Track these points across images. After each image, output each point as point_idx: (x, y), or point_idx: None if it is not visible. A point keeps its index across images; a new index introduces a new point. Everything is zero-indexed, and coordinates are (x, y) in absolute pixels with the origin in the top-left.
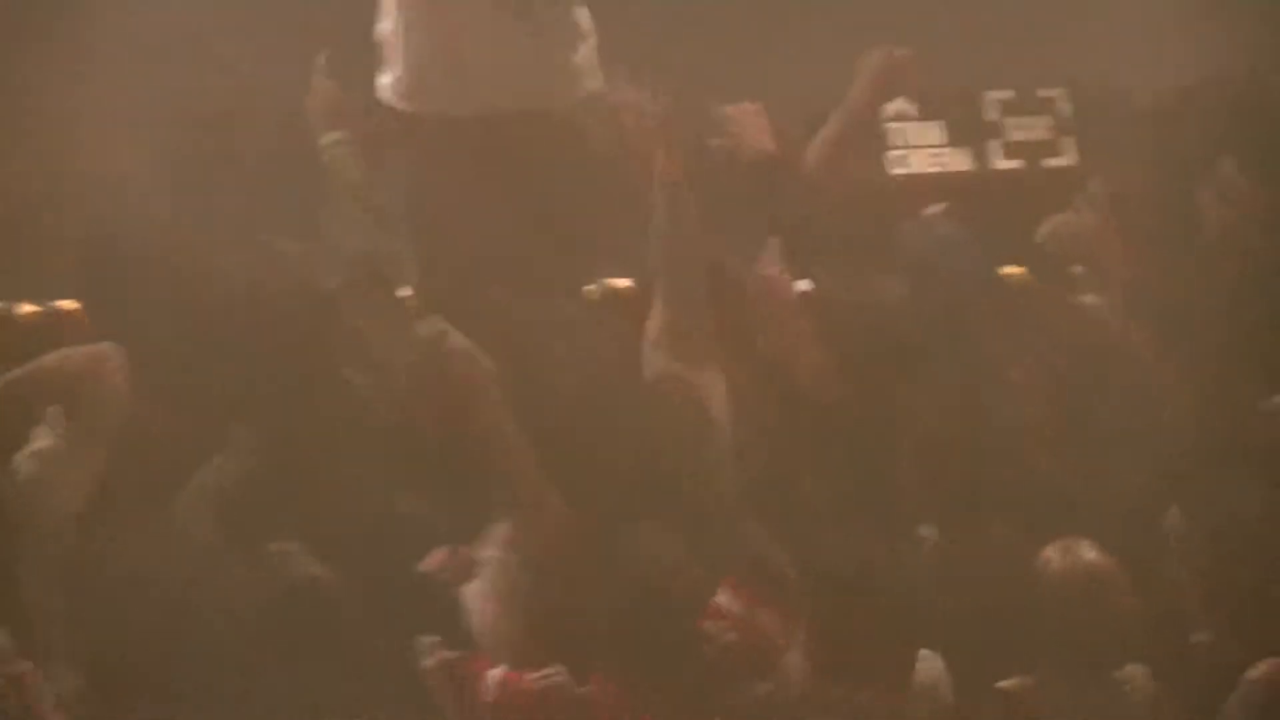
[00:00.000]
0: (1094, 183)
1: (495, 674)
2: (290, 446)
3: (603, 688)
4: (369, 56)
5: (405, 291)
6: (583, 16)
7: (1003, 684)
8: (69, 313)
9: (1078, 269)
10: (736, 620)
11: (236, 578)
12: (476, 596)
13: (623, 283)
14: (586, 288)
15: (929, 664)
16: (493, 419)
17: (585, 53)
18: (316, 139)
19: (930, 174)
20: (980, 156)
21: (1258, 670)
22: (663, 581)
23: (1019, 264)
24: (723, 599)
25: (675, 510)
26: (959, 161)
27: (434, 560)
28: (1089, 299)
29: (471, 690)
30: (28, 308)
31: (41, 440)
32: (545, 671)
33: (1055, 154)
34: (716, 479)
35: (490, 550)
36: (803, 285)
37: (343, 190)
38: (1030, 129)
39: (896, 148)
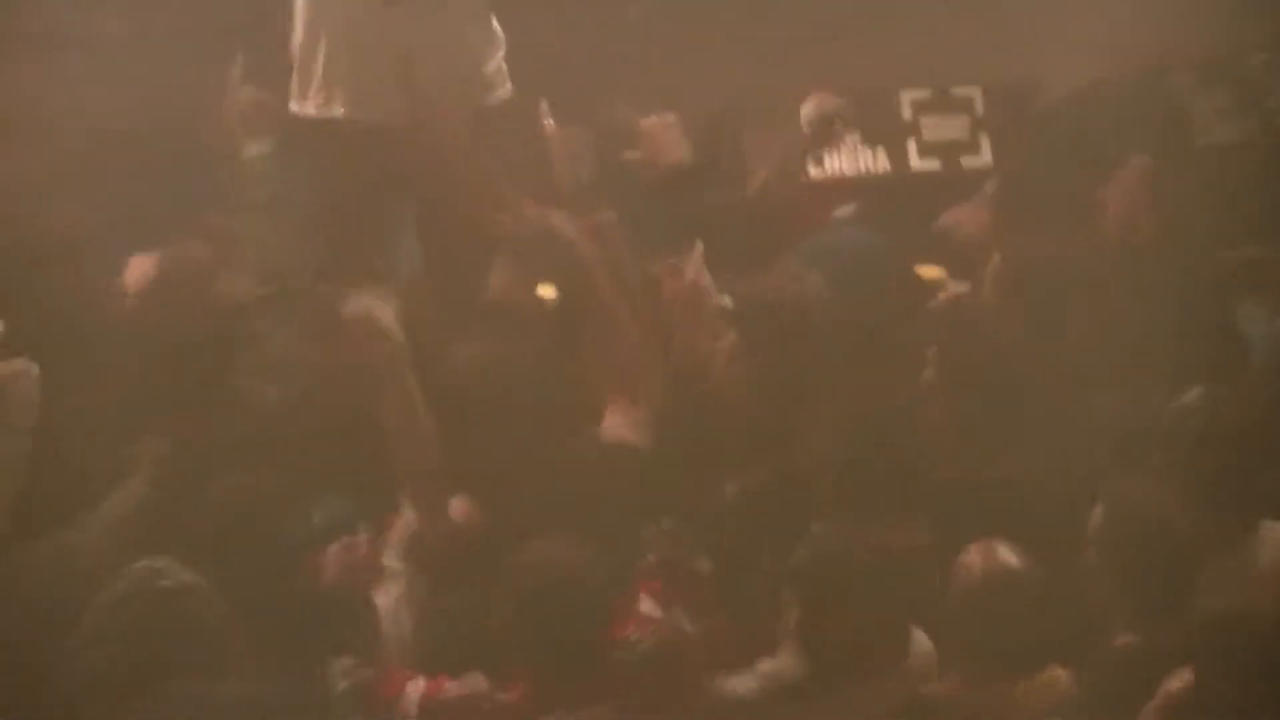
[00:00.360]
0: (992, 179)
1: (415, 687)
2: (196, 457)
3: (522, 693)
4: (283, 66)
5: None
6: (493, 25)
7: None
8: None
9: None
10: (658, 624)
11: (118, 592)
12: (388, 607)
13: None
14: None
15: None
16: (402, 399)
17: (495, 61)
18: (235, 148)
19: (848, 175)
20: (897, 157)
21: (1175, 681)
22: (572, 585)
23: (936, 262)
24: (644, 605)
25: (586, 514)
26: (876, 162)
27: (331, 555)
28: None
29: (392, 707)
30: None
31: None
32: (464, 680)
33: (972, 152)
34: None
35: (396, 560)
36: (725, 299)
37: (262, 201)
38: (946, 128)
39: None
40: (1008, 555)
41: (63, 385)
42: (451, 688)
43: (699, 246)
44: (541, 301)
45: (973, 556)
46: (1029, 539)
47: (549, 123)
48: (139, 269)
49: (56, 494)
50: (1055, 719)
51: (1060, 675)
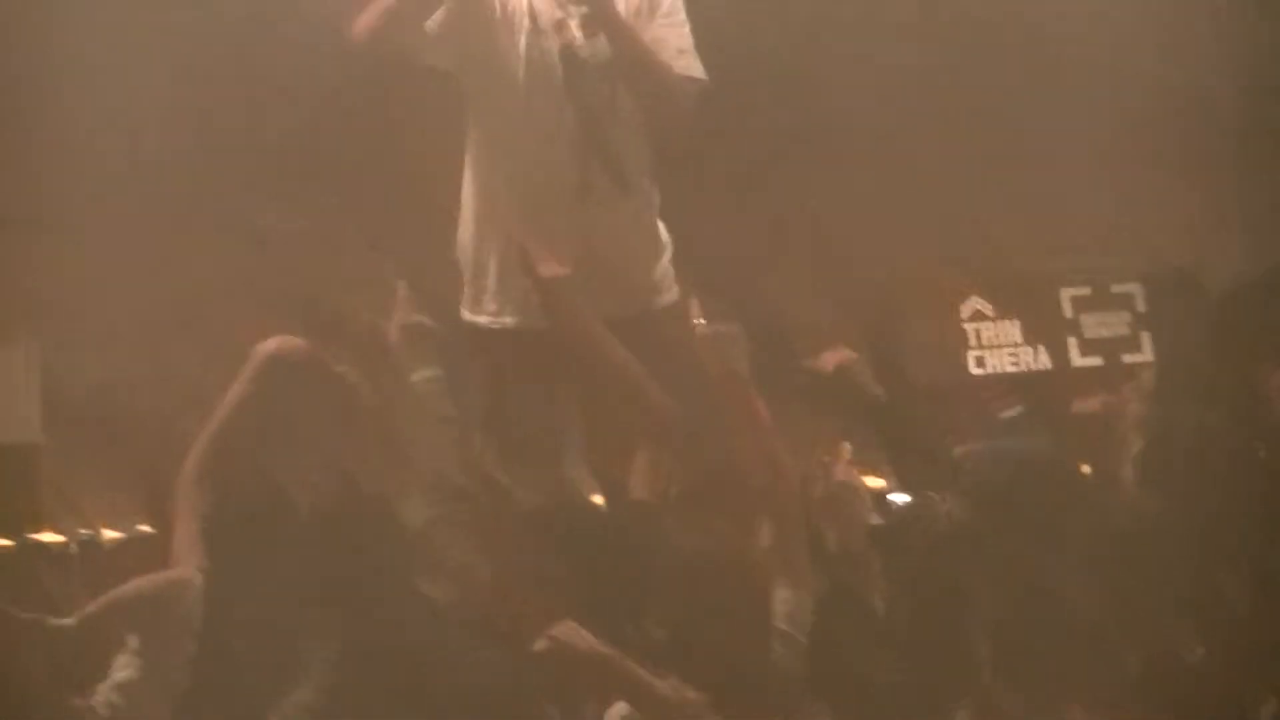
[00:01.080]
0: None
1: None
2: (368, 661)
3: None
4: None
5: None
6: (660, 229)
7: None
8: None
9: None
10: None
11: None
12: None
13: None
14: None
15: None
16: None
17: (663, 265)
18: (405, 374)
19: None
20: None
21: None
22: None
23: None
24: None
25: None
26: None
27: None
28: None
29: None
30: (110, 534)
31: (122, 671)
32: None
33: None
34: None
35: None
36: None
37: (434, 422)
38: (1107, 325)
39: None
40: None
41: (233, 590)
42: None
43: (846, 446)
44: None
45: None
46: None
47: (700, 322)
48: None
49: (224, 698)
50: None
51: None
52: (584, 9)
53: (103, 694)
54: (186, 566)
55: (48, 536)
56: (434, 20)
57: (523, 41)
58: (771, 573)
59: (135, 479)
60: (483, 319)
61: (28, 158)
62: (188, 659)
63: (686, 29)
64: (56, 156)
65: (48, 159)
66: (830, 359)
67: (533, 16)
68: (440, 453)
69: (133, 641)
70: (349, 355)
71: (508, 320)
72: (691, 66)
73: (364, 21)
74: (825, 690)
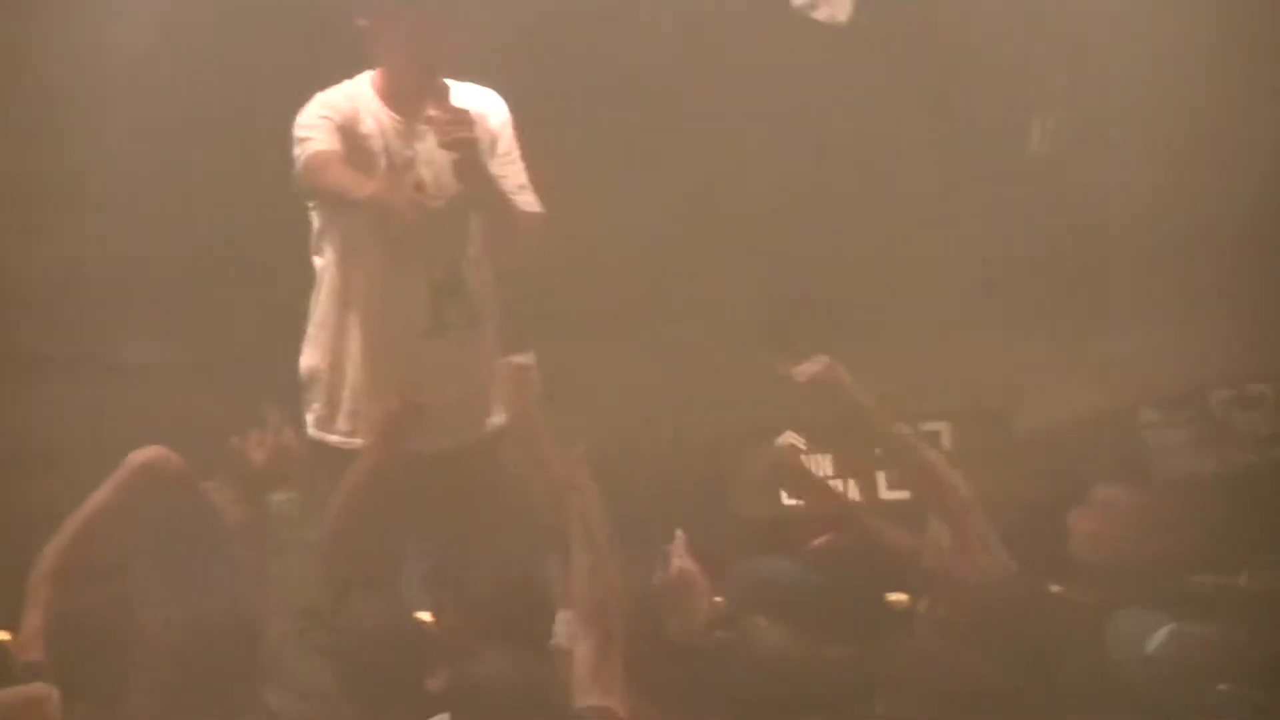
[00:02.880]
0: None
1: None
2: None
3: None
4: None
5: None
6: (492, 345)
7: None
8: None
9: None
10: None
11: None
12: None
13: None
14: None
15: None
16: None
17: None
18: (262, 497)
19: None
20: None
21: None
22: None
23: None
24: None
25: None
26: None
27: None
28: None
29: None
30: None
31: None
32: None
33: None
34: None
35: None
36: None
37: (291, 543)
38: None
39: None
40: None
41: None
42: None
43: (680, 535)
44: None
45: None
46: None
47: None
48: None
49: None
50: None
51: None
52: (435, 157)
53: None
54: (35, 655)
55: None
56: (321, 136)
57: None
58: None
59: None
60: (333, 438)
61: None
62: None
63: (521, 166)
64: None
65: None
66: None
67: (387, 154)
68: (294, 574)
69: None
70: (215, 473)
71: (357, 441)
72: (531, 202)
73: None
74: None
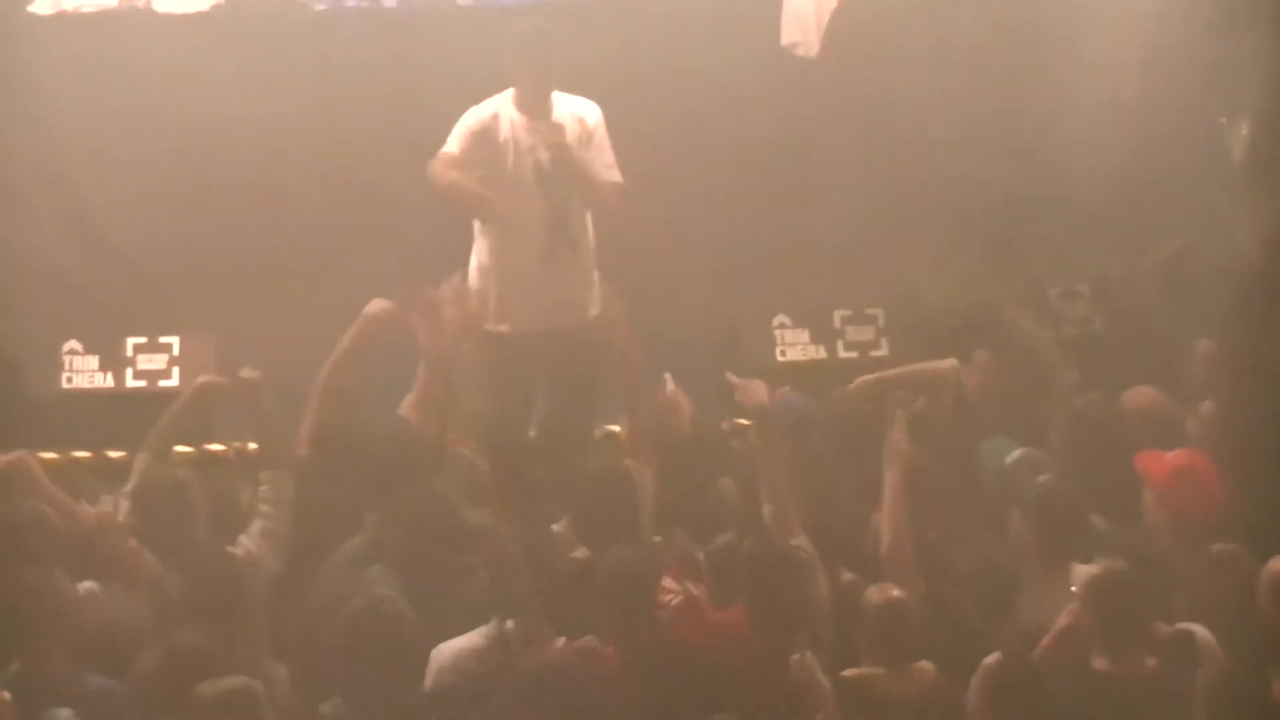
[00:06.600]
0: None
1: None
2: None
3: None
4: None
5: None
6: (594, 275)
7: None
8: None
9: None
10: None
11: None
12: None
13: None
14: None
15: None
16: None
17: (595, 284)
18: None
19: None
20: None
21: None
22: None
23: None
24: None
25: None
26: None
27: None
28: None
29: None
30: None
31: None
32: None
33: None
34: None
35: None
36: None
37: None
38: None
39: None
40: None
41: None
42: None
43: (668, 377)
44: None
45: None
46: None
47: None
48: None
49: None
50: None
51: None
52: (548, 144)
53: (242, 541)
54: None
55: None
56: (454, 143)
57: (510, 159)
58: None
59: None
60: (487, 326)
61: None
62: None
63: (610, 151)
64: None
65: None
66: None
67: (515, 143)
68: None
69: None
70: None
71: (503, 328)
72: (615, 175)
73: (443, 175)
74: None
